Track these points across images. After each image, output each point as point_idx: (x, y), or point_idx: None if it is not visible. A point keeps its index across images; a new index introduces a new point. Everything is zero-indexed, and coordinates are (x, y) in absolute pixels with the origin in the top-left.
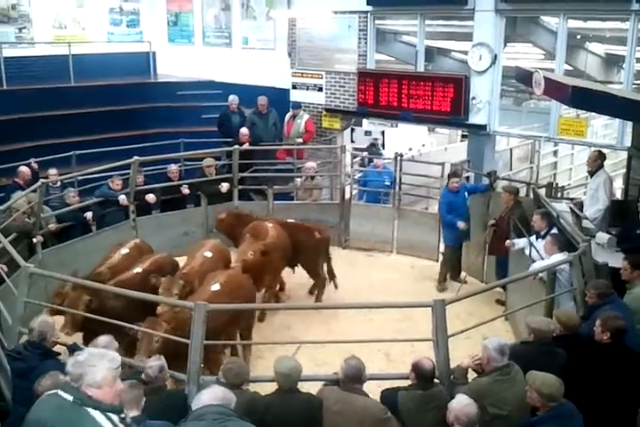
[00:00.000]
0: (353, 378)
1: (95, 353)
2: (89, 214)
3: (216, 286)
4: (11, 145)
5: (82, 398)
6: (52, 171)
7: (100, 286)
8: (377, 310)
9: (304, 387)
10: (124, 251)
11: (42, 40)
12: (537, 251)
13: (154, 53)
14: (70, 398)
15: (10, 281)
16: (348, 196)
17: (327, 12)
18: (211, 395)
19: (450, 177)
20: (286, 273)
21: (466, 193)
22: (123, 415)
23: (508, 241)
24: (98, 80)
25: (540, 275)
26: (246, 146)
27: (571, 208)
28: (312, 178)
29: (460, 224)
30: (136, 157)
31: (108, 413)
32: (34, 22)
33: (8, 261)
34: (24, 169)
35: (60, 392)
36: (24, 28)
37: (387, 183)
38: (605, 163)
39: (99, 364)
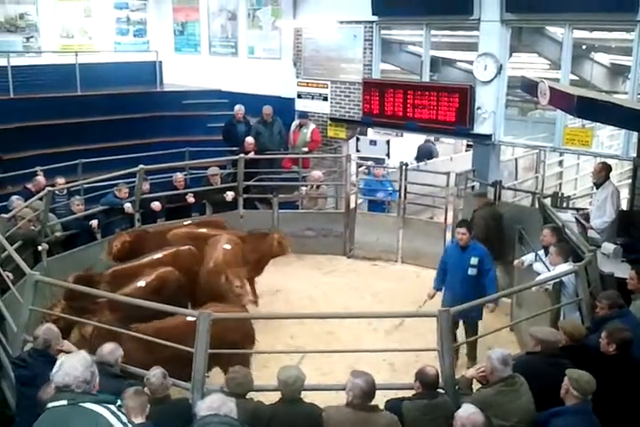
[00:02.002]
0: (370, 395)
1: (67, 357)
2: (94, 222)
3: None
4: (17, 153)
5: (73, 397)
6: (60, 180)
7: (101, 292)
8: (382, 320)
9: (308, 397)
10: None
11: (49, 49)
12: (544, 264)
13: (160, 63)
14: (64, 402)
15: (15, 289)
16: (353, 205)
17: (333, 21)
18: (210, 403)
19: (457, 226)
20: (293, 283)
21: (476, 260)
22: (119, 403)
23: (516, 261)
24: (104, 89)
25: (546, 285)
26: (252, 155)
27: (576, 218)
28: (317, 187)
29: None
30: (142, 166)
31: (103, 403)
32: (41, 31)
33: (14, 268)
34: (41, 179)
35: (50, 404)
36: (31, 37)
37: (387, 191)
38: (611, 174)
39: (77, 364)
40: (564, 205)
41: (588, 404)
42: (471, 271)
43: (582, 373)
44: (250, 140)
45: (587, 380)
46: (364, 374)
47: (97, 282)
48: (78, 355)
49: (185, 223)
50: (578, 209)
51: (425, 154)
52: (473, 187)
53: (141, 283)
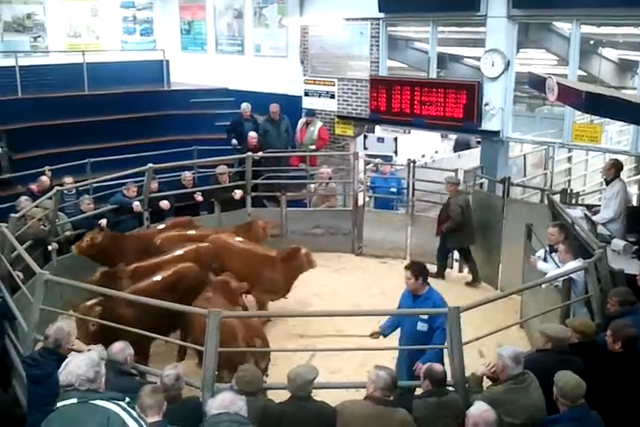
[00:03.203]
0: (392, 388)
1: (74, 356)
2: (103, 221)
3: None
4: (26, 153)
5: (84, 395)
6: (68, 179)
7: (113, 292)
8: None
9: (318, 395)
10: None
11: (56, 49)
12: (554, 262)
13: (167, 61)
14: (74, 400)
15: (25, 288)
16: (361, 202)
17: (339, 19)
18: (221, 402)
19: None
20: (302, 281)
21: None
22: (127, 400)
23: (532, 258)
24: (112, 88)
25: (556, 282)
26: (260, 153)
27: (585, 214)
28: (327, 184)
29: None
30: (150, 165)
31: (113, 400)
32: (48, 31)
33: (23, 268)
34: (45, 179)
35: (60, 403)
36: (39, 36)
37: (393, 190)
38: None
39: (81, 363)
40: (574, 201)
41: (580, 408)
42: (420, 326)
43: (568, 378)
44: (253, 134)
45: (572, 386)
46: (388, 368)
47: (119, 278)
48: (84, 354)
49: (159, 227)
50: (587, 205)
51: (462, 144)
52: (481, 184)
53: (158, 277)
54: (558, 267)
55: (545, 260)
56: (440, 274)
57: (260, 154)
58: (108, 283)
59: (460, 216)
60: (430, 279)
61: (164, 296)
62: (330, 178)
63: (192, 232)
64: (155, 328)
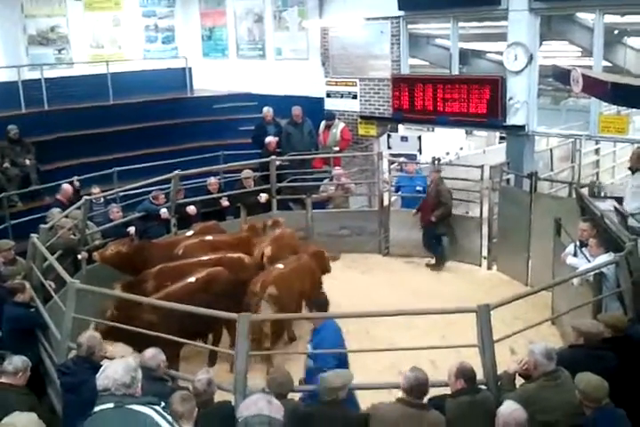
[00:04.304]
0: (422, 391)
1: (112, 362)
2: (132, 229)
3: None
4: (53, 164)
5: (120, 400)
6: (95, 189)
7: (141, 298)
8: (420, 317)
9: None
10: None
11: (80, 60)
12: (585, 256)
13: (190, 69)
14: (110, 404)
15: (57, 297)
16: (386, 202)
17: (359, 19)
18: (253, 404)
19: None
20: (329, 283)
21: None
22: (163, 405)
23: (563, 254)
24: (136, 97)
25: (587, 277)
26: (286, 157)
27: (615, 207)
28: (343, 187)
29: None
30: (177, 172)
31: (150, 404)
32: (72, 43)
33: (55, 277)
34: (66, 187)
35: (97, 408)
36: (63, 49)
37: (418, 188)
38: None
39: (119, 368)
40: (602, 194)
41: (605, 409)
42: (310, 362)
43: (589, 379)
44: (271, 139)
45: (595, 387)
46: (420, 369)
47: (144, 281)
48: (122, 360)
49: (187, 234)
50: (617, 198)
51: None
52: (508, 179)
53: (192, 279)
54: (589, 261)
55: (575, 255)
56: (440, 263)
57: (284, 157)
58: (131, 291)
59: (451, 202)
60: (448, 274)
61: (198, 298)
62: (354, 179)
63: (215, 238)
64: (184, 332)
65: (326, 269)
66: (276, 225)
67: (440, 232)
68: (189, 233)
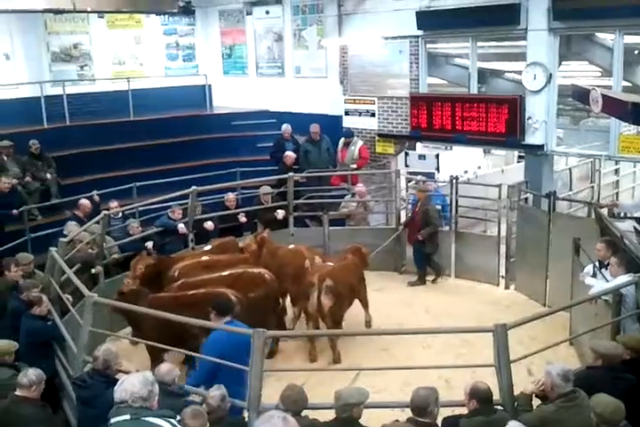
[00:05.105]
0: (425, 409)
1: (130, 375)
2: (150, 244)
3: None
4: (74, 178)
5: (136, 412)
6: (114, 203)
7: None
8: (436, 336)
9: (362, 414)
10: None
11: (102, 77)
12: (604, 277)
13: (209, 86)
14: (127, 416)
15: (75, 310)
16: (403, 220)
17: (378, 38)
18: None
19: None
20: None
21: None
22: (178, 418)
23: (580, 274)
24: (156, 114)
25: (605, 297)
26: (302, 174)
27: (635, 228)
28: (363, 205)
29: None
30: (194, 187)
31: (165, 417)
32: (94, 60)
33: (73, 291)
34: (85, 202)
35: (113, 420)
36: (85, 65)
37: (437, 207)
38: None
39: (136, 381)
40: (622, 214)
41: None
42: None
43: (606, 404)
44: (290, 153)
45: (612, 410)
46: (429, 388)
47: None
48: (140, 373)
49: (205, 249)
50: (637, 218)
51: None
52: (526, 199)
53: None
54: (608, 282)
55: (594, 275)
56: (422, 281)
57: (302, 174)
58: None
59: (439, 221)
60: (465, 293)
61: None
62: (372, 197)
63: (206, 258)
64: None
65: (366, 264)
66: (262, 241)
67: (428, 251)
68: (207, 248)
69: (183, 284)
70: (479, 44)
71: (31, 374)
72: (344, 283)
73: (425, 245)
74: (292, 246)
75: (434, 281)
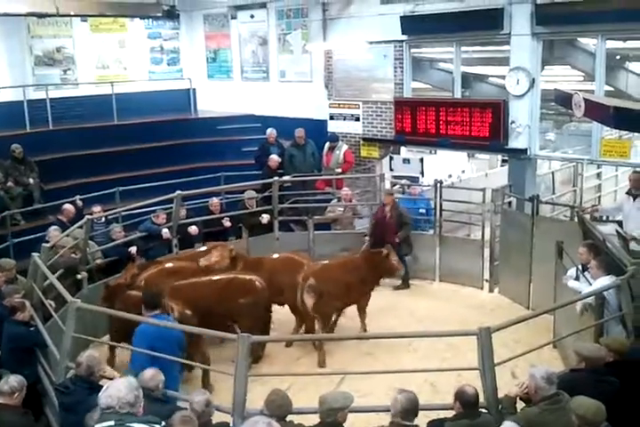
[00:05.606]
0: (412, 412)
1: (114, 381)
2: (133, 249)
3: None
4: (57, 183)
5: (121, 418)
6: (97, 208)
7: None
8: (421, 340)
9: (348, 418)
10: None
11: (86, 81)
12: (587, 280)
13: (194, 90)
14: (111, 422)
15: (57, 316)
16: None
17: (362, 42)
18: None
19: None
20: None
21: None
22: (163, 424)
23: (564, 277)
24: (140, 118)
25: (588, 300)
26: (286, 178)
27: (617, 231)
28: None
29: None
30: (178, 192)
31: (150, 423)
32: (78, 64)
33: (56, 296)
34: (68, 207)
35: (98, 426)
36: (68, 69)
37: (422, 211)
38: None
39: (121, 387)
40: (604, 217)
41: None
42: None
43: (588, 406)
44: (274, 157)
45: (594, 412)
46: (409, 391)
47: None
48: (124, 379)
49: (200, 250)
50: (618, 222)
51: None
52: (510, 202)
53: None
54: (590, 285)
55: (577, 278)
56: (406, 284)
57: (286, 178)
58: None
59: (412, 222)
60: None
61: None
62: (351, 200)
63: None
64: None
65: (383, 268)
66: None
67: (404, 253)
68: (203, 248)
69: (174, 288)
70: (463, 48)
71: (12, 380)
72: (335, 281)
73: (401, 246)
74: (276, 255)
75: (397, 287)
